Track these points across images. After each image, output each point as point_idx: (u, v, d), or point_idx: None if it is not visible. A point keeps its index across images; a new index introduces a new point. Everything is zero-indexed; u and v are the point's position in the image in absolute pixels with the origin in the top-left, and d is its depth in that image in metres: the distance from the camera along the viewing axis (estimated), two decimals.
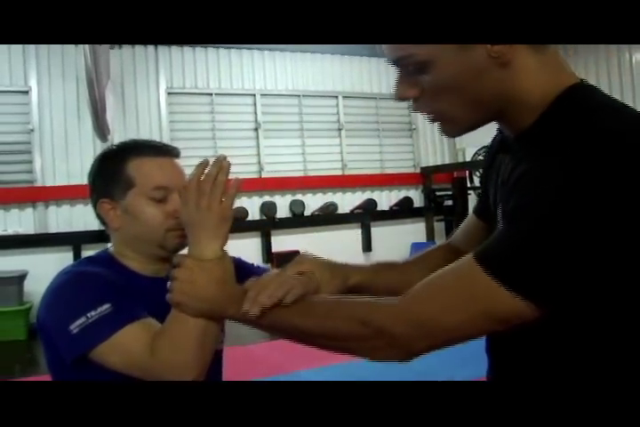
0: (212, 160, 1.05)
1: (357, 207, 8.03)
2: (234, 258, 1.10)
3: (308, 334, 0.93)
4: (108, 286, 1.16)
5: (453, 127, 0.90)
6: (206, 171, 1.03)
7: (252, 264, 1.43)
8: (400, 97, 0.89)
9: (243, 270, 1.30)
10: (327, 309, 0.92)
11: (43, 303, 1.19)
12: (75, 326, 1.09)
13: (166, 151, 1.30)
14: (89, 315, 1.09)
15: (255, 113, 7.66)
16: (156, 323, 1.11)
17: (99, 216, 1.29)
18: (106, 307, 1.10)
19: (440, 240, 8.18)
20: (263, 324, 0.96)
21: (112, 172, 1.26)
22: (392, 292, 1.13)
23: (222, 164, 1.03)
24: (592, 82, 0.87)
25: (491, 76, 0.82)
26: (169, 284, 1.03)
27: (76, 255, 6.18)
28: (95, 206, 1.29)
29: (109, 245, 1.33)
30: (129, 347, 1.08)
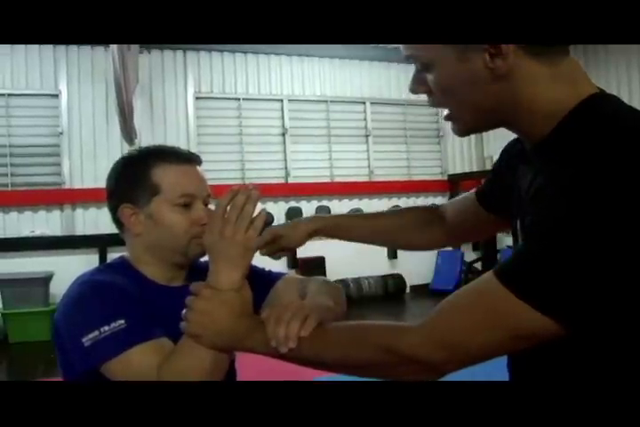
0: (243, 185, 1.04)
1: None
2: None
3: (333, 364, 0.93)
4: (123, 299, 1.15)
5: (459, 127, 0.93)
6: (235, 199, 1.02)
7: (264, 269, 1.41)
8: (411, 91, 0.94)
9: (254, 276, 1.29)
10: (349, 338, 0.91)
11: (59, 310, 1.18)
12: (87, 339, 1.08)
13: (190, 159, 1.29)
14: (102, 329, 1.08)
15: (282, 118, 7.68)
16: (169, 344, 1.10)
17: (117, 221, 1.28)
18: (120, 323, 1.09)
19: (466, 247, 8.12)
20: (284, 356, 0.94)
21: (136, 177, 1.25)
22: (361, 238, 1.33)
23: (251, 193, 1.02)
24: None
25: (488, 88, 0.83)
26: (184, 313, 1.02)
27: (102, 257, 6.24)
28: (114, 211, 1.27)
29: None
30: (136, 368, 1.07)
